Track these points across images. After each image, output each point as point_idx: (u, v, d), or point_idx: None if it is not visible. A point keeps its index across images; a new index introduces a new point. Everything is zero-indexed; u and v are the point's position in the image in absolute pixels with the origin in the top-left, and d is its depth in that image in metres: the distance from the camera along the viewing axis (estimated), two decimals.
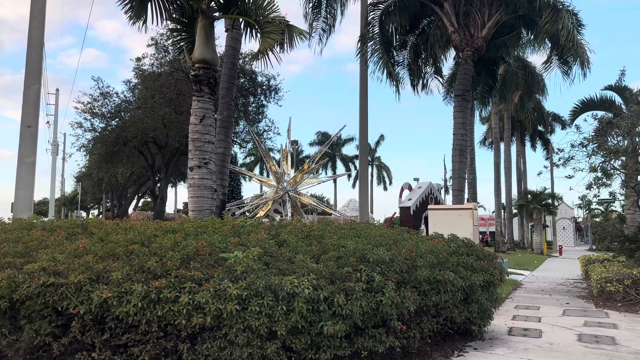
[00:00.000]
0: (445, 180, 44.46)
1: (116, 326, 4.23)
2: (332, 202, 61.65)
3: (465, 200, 19.32)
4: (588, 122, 13.97)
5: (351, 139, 58.06)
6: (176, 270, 4.34)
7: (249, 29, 11.53)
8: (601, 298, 10.38)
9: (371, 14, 17.74)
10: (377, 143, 60.74)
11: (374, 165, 61.88)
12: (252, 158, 55.69)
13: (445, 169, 41.64)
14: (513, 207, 39.84)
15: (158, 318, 4.11)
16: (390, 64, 17.84)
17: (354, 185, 61.46)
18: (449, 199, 34.76)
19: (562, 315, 8.77)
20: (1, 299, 4.35)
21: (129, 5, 10.34)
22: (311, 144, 59.08)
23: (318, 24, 18.26)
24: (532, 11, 16.03)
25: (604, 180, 12.59)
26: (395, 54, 19.08)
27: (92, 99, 27.48)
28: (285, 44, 11.54)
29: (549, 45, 17.49)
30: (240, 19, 11.85)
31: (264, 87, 28.49)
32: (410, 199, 25.88)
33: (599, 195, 13.43)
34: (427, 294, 5.28)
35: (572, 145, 12.98)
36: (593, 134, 12.95)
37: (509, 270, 16.12)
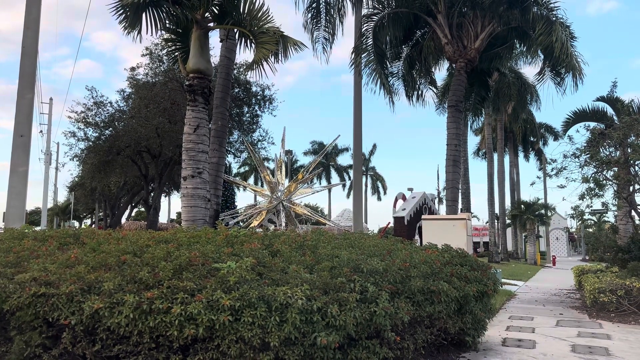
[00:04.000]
0: (439, 191, 44.58)
1: (107, 337, 4.19)
2: (326, 211, 61.65)
3: (459, 211, 19.35)
4: (580, 133, 14.18)
5: (346, 149, 58.21)
6: (168, 281, 4.30)
7: (243, 40, 11.58)
8: (595, 309, 10.39)
9: (365, 25, 17.86)
10: (371, 153, 60.91)
11: (369, 175, 61.95)
12: (247, 168, 55.66)
13: (438, 179, 41.73)
14: (506, 218, 39.95)
15: (150, 329, 4.07)
16: (384, 76, 17.92)
17: (348, 195, 61.58)
18: (442, 209, 34.83)
19: (555, 325, 8.77)
20: None
21: (123, 15, 10.35)
22: (305, 154, 59.21)
23: (319, 33, 18.19)
24: (525, 23, 16.20)
25: (597, 190, 12.67)
26: (389, 65, 19.17)
27: (85, 109, 27.45)
28: (280, 55, 11.58)
29: (542, 57, 17.68)
30: (235, 30, 11.91)
31: (259, 97, 28.60)
32: (404, 209, 25.93)
33: (591, 206, 13.48)
34: (421, 305, 5.27)
35: (565, 156, 13.09)
36: (585, 144, 13.05)
37: (503, 280, 16.15)
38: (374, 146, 61.70)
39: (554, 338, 7.58)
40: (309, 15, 17.84)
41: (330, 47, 18.37)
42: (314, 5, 17.73)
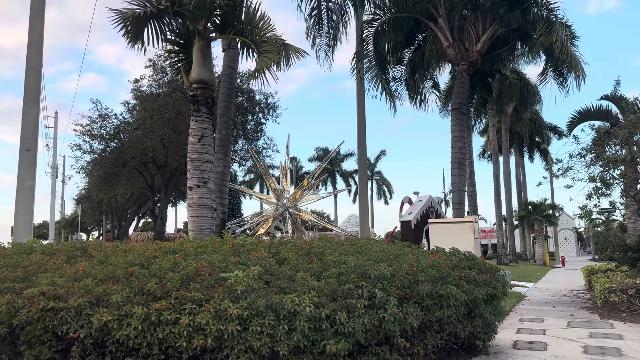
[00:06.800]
0: (445, 194, 44.46)
1: (117, 350, 4.19)
2: (332, 217, 61.56)
3: (466, 213, 19.30)
4: (586, 132, 14.07)
5: (351, 154, 58.17)
6: (176, 292, 4.30)
7: (245, 49, 11.63)
8: (605, 309, 10.30)
9: (365, 31, 17.89)
10: (377, 158, 60.87)
11: (374, 180, 61.91)
12: (252, 175, 55.74)
13: (444, 182, 41.63)
14: (514, 219, 39.76)
15: (159, 340, 4.06)
16: (385, 81, 17.93)
17: (354, 201, 61.40)
18: (449, 212, 34.71)
19: (566, 327, 8.70)
20: (1, 324, 4.31)
21: (125, 28, 10.42)
22: (310, 160, 59.22)
23: (321, 40, 17.99)
24: (525, 24, 16.20)
25: (604, 189, 12.61)
26: (391, 70, 19.20)
27: (90, 121, 27.65)
28: (282, 63, 11.63)
29: (544, 57, 17.67)
30: (237, 39, 11.96)
31: (262, 105, 28.69)
32: (411, 212, 25.85)
33: (599, 205, 13.42)
34: (430, 309, 5.23)
35: (571, 156, 13.03)
36: (591, 144, 13.00)
37: (512, 282, 16.04)
38: (381, 151, 61.57)
39: (565, 339, 7.51)
40: (311, 21, 17.66)
41: (332, 54, 18.01)
42: (315, 12, 17.67)
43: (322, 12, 17.67)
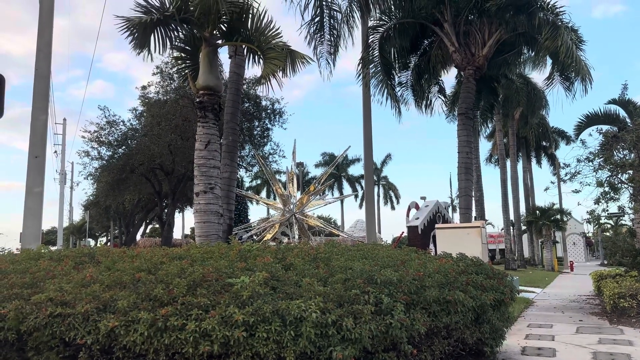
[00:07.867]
0: (452, 199, 44.30)
1: (124, 356, 4.19)
2: (339, 223, 61.48)
3: (473, 218, 19.21)
4: (593, 137, 13.97)
5: (357, 159, 58.12)
6: (183, 298, 4.31)
7: (252, 55, 11.71)
8: (615, 314, 10.21)
9: (371, 37, 17.92)
10: (384, 163, 60.80)
11: (381, 185, 61.79)
12: (259, 181, 55.84)
13: (451, 187, 41.49)
14: (522, 224, 39.52)
15: (165, 347, 4.06)
16: (390, 87, 17.92)
17: (360, 206, 61.35)
18: (456, 217, 34.56)
19: (575, 333, 8.62)
20: (8, 330, 4.33)
21: (132, 35, 10.52)
22: (317, 166, 59.28)
23: (323, 48, 17.80)
24: (531, 29, 16.17)
25: (612, 194, 12.50)
26: (397, 75, 19.21)
27: (99, 128, 27.85)
28: (288, 69, 11.68)
29: (550, 61, 17.63)
30: (243, 46, 12.02)
31: (269, 111, 28.79)
32: (418, 218, 25.75)
33: (607, 210, 13.30)
34: (437, 315, 5.20)
35: (578, 160, 12.95)
36: (599, 148, 12.91)
37: (520, 288, 15.93)
38: (387, 156, 61.47)
39: (575, 345, 7.44)
40: (312, 29, 17.31)
41: (334, 62, 17.41)
42: (317, 19, 17.48)
43: (325, 19, 17.62)
